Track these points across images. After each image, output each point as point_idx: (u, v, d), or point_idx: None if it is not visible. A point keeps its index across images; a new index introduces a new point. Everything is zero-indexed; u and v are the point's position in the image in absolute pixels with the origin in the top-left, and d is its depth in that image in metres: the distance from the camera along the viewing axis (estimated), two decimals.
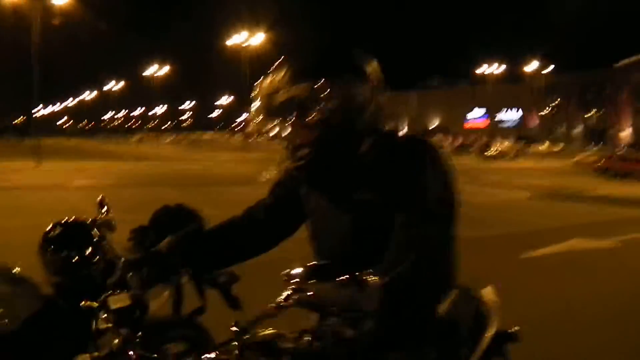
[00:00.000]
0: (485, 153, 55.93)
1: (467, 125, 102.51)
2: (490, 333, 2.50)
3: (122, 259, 2.07)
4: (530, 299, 7.07)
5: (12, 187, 19.97)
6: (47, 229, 2.79)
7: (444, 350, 2.16)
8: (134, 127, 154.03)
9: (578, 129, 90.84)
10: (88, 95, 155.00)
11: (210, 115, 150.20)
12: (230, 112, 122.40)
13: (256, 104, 2.03)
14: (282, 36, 68.89)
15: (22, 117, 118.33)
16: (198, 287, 3.03)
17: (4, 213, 13.75)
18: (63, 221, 2.92)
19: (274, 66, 2.02)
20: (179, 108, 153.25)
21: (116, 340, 1.78)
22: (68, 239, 2.81)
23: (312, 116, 1.94)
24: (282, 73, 1.98)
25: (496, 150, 56.40)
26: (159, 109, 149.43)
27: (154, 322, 1.97)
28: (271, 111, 2.00)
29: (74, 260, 2.72)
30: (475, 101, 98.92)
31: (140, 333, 1.81)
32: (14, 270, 2.88)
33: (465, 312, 2.52)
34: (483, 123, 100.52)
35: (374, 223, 2.03)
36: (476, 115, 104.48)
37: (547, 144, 71.33)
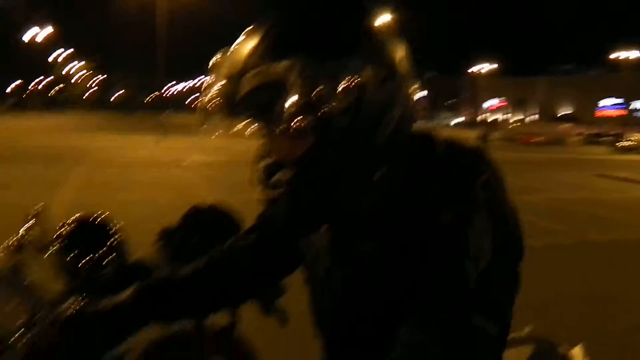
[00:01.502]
0: (618, 144, 52.87)
1: (598, 114, 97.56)
2: None
3: (42, 314, 1.50)
4: None
5: (133, 163, 20.67)
6: (60, 225, 2.42)
7: None
8: None
9: None
10: None
11: None
12: None
13: (213, 89, 1.17)
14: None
15: (154, 93, 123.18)
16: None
17: (123, 186, 14.25)
18: (75, 217, 2.58)
19: (244, 32, 1.18)
20: None
21: None
22: (80, 238, 2.44)
23: (300, 118, 1.08)
24: (255, 43, 1.14)
25: (631, 142, 53.11)
26: None
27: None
28: (234, 104, 1.13)
29: (83, 262, 2.36)
30: (609, 89, 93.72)
31: None
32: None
33: None
34: (617, 112, 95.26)
35: (380, 291, 1.25)
36: (609, 104, 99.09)
37: None
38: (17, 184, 13.79)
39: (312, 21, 1.17)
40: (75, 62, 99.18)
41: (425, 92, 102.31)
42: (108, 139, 30.98)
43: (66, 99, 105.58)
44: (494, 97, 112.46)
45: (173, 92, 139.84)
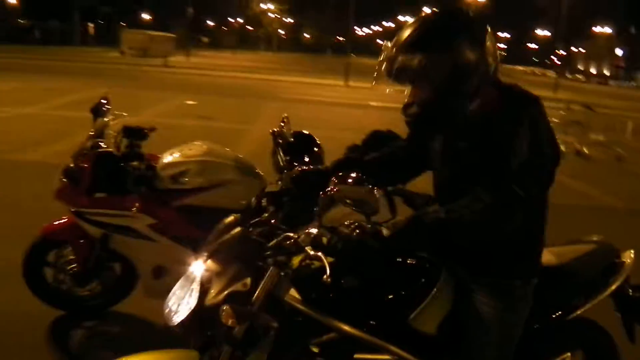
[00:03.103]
0: None
1: None
2: (609, 289, 2.84)
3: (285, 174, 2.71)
4: None
5: (320, 102, 22.00)
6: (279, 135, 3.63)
7: (544, 294, 2.58)
8: None
9: None
10: (403, 17, 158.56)
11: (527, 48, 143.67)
12: (546, 46, 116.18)
13: (381, 62, 2.32)
14: None
15: (341, 37, 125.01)
16: (389, 200, 3.62)
17: (310, 123, 15.38)
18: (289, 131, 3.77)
19: (398, 32, 2.32)
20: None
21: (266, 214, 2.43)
22: (294, 147, 3.59)
23: (421, 82, 2.25)
24: (400, 41, 2.25)
25: None
26: None
27: None
28: (390, 73, 2.28)
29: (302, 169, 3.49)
30: None
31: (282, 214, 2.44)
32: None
33: (594, 265, 2.85)
34: None
35: (467, 173, 2.32)
36: None
37: None
38: (218, 115, 15.48)
39: (426, 33, 2.25)
40: (267, 4, 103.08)
41: (621, 51, 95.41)
42: (298, 78, 32.62)
43: (257, 39, 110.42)
44: None
45: (360, 36, 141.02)
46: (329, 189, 2.15)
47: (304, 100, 21.81)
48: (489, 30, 2.32)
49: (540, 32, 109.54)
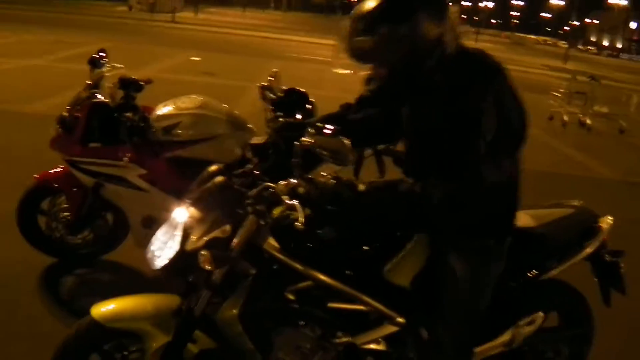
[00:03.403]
0: None
1: None
2: (584, 253, 2.89)
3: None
4: None
5: (326, 63, 21.74)
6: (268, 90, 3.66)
7: (519, 254, 2.64)
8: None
9: None
10: None
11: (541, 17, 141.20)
12: (560, 16, 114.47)
13: (339, 39, 2.31)
14: None
15: None
16: (378, 160, 3.66)
17: (314, 82, 15.30)
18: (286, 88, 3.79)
19: (352, 12, 2.31)
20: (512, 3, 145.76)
21: (250, 165, 2.46)
22: (286, 103, 3.62)
23: (377, 62, 2.29)
24: (356, 23, 2.25)
25: None
26: (489, 3, 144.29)
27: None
28: (348, 52, 2.28)
29: (285, 120, 3.50)
30: None
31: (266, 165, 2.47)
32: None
33: (571, 229, 2.89)
34: None
35: (432, 149, 2.36)
36: None
37: None
38: (221, 72, 15.42)
39: (377, 13, 2.21)
40: None
41: (636, 24, 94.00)
42: (306, 38, 32.31)
43: None
44: None
45: None
46: (305, 139, 2.20)
47: (310, 60, 21.67)
48: (450, 7, 2.31)
49: (555, 2, 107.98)
